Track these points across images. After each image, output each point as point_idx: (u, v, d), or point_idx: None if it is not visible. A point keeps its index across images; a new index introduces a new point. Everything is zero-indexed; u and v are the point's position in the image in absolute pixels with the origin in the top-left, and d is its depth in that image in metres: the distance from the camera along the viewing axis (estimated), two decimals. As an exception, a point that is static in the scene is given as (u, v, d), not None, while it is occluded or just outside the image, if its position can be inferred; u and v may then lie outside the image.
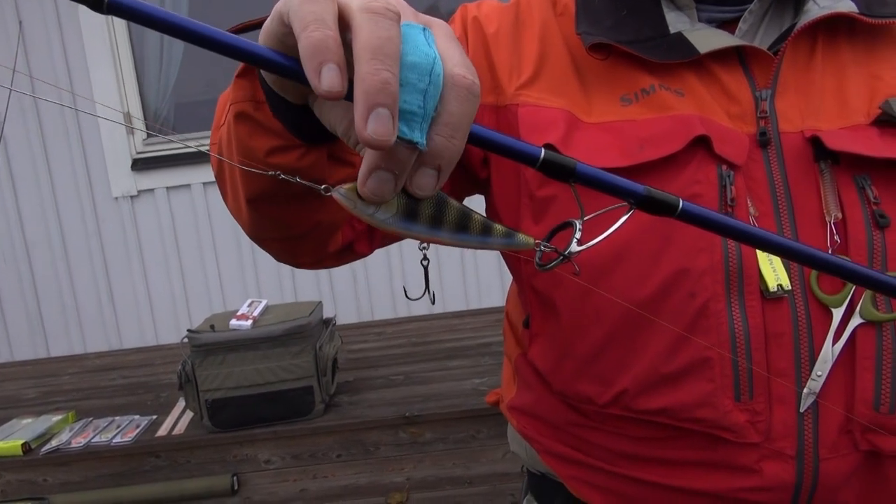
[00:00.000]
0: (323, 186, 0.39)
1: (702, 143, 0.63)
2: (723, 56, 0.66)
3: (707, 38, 0.65)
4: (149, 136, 3.29)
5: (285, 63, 0.34)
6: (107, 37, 3.18)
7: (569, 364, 0.70)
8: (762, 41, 0.68)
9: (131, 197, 3.28)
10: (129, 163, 3.24)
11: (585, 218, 0.41)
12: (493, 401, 0.91)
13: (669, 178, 0.63)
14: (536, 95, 0.68)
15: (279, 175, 0.40)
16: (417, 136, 0.33)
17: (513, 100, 0.68)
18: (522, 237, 0.41)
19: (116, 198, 3.28)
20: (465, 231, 0.39)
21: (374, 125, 0.32)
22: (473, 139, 0.37)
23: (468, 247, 0.40)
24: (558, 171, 0.38)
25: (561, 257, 0.40)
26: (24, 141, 3.24)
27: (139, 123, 3.19)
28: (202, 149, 0.52)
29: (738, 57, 0.66)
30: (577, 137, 0.65)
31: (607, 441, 0.71)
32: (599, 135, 0.65)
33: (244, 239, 3.13)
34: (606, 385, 0.67)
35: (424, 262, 0.46)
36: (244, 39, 0.33)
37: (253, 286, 3.32)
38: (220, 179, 0.63)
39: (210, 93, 3.36)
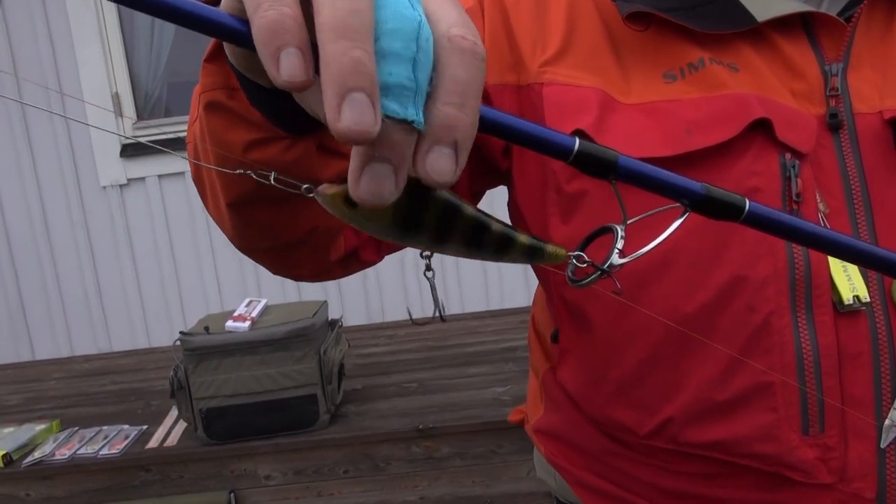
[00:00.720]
0: (304, 187, 0.34)
1: (761, 128, 0.60)
2: (785, 24, 0.62)
3: (766, 4, 0.62)
4: (139, 119, 3.28)
5: (241, 29, 0.30)
6: (94, 12, 3.18)
7: (604, 387, 0.67)
8: (830, 7, 0.65)
9: (120, 186, 3.29)
10: (118, 149, 3.26)
11: (629, 222, 0.37)
12: (518, 420, 0.90)
13: (723, 169, 0.60)
14: (565, 73, 0.65)
15: (250, 174, 0.36)
16: (412, 113, 0.29)
17: (537, 78, 0.65)
18: (552, 248, 0.36)
19: (104, 187, 3.29)
20: (479, 243, 0.35)
21: (349, 114, 0.28)
22: (485, 126, 0.32)
23: (485, 259, 0.36)
24: (596, 165, 0.34)
25: (599, 272, 0.36)
26: (6, 125, 3.25)
27: (130, 122, 3.18)
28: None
29: (802, 25, 0.63)
30: (613, 121, 0.62)
31: (649, 475, 0.69)
32: (639, 118, 0.62)
33: (243, 232, 3.12)
34: (649, 413, 0.65)
35: (429, 274, 0.42)
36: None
37: (252, 284, 3.32)
38: (198, 182, 0.62)
39: (206, 72, 3.35)
